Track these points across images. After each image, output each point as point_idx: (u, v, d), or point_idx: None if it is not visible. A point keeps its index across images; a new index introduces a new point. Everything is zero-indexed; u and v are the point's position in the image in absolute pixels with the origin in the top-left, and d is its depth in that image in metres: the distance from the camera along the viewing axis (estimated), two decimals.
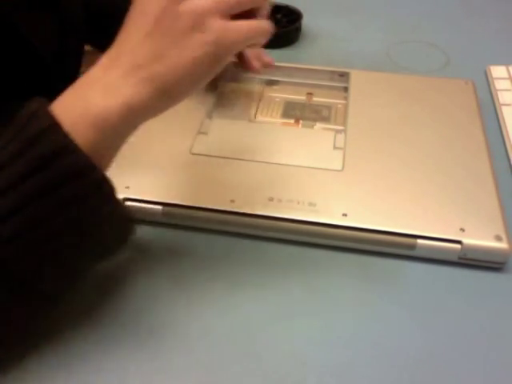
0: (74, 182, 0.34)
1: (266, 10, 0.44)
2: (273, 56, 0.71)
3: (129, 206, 0.42)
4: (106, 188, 0.36)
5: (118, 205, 0.38)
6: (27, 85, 0.46)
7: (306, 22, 0.75)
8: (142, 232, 0.49)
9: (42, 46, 0.51)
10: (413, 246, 0.46)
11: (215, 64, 0.38)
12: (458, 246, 0.45)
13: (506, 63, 0.68)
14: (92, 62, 0.38)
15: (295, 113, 0.60)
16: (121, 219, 0.39)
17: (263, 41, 0.42)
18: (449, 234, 0.46)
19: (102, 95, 0.36)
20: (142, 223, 0.50)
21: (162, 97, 0.37)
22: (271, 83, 0.65)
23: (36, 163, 0.34)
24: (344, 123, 0.57)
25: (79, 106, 0.36)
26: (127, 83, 0.36)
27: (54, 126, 0.34)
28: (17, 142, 0.34)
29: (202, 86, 0.39)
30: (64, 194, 0.34)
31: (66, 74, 0.56)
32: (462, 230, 0.46)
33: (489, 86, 0.66)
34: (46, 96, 0.37)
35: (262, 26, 0.41)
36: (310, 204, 0.48)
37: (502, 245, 0.45)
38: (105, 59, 0.37)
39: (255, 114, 0.60)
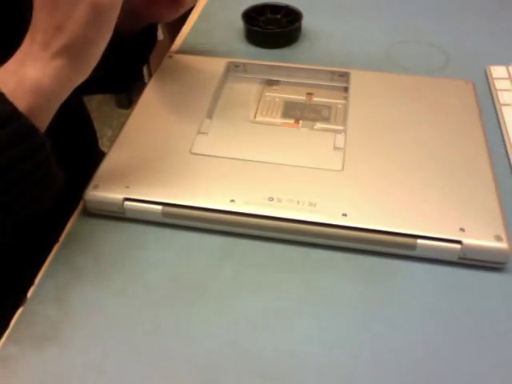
0: (21, 144, 0.40)
1: None
2: (273, 56, 0.72)
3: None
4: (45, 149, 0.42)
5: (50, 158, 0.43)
6: (11, 47, 0.48)
7: (306, 21, 0.75)
8: (142, 232, 0.49)
9: (27, 10, 0.52)
10: (413, 246, 0.46)
11: (105, 19, 0.43)
12: (457, 246, 0.45)
13: (506, 63, 0.68)
14: None
15: (295, 113, 0.60)
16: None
17: None
18: (449, 234, 0.46)
19: (32, 69, 0.42)
20: (141, 223, 0.50)
21: (78, 60, 0.43)
22: (271, 83, 0.65)
23: None
24: (344, 123, 0.57)
25: (15, 78, 0.42)
26: (46, 57, 0.42)
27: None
28: None
29: (106, 42, 0.44)
30: (11, 153, 0.40)
31: None
32: (462, 230, 0.46)
33: (489, 86, 0.66)
34: None
35: None
36: (310, 204, 0.48)
37: (502, 245, 0.45)
38: (27, 37, 0.43)
39: (255, 114, 0.60)
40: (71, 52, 0.43)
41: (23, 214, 0.44)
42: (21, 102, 0.41)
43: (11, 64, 0.43)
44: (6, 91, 0.41)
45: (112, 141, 0.55)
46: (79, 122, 0.70)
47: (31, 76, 0.42)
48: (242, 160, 0.52)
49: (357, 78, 0.63)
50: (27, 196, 0.43)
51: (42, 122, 0.43)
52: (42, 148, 0.42)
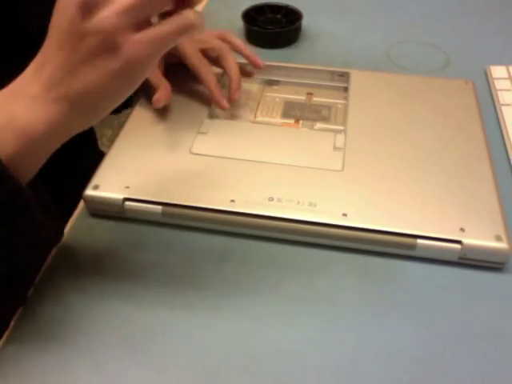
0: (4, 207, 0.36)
1: None
2: (273, 56, 0.72)
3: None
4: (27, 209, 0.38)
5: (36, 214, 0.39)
6: (12, 57, 0.46)
7: (306, 21, 0.75)
8: (142, 232, 0.49)
9: (31, 18, 0.51)
10: (413, 246, 0.46)
11: (131, 79, 0.37)
12: (458, 245, 0.45)
13: (506, 63, 0.68)
14: None
15: (295, 113, 0.60)
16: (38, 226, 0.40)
17: (194, 35, 0.37)
18: (449, 234, 0.46)
19: (26, 109, 0.36)
20: (141, 223, 0.50)
21: (81, 113, 0.37)
22: (271, 83, 0.65)
23: None
24: (344, 123, 0.57)
25: (5, 117, 0.36)
26: (48, 99, 0.36)
27: None
28: None
29: (123, 99, 0.38)
30: None
31: None
32: (462, 229, 0.46)
33: (489, 85, 0.66)
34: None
35: (182, 23, 0.36)
36: (310, 204, 0.48)
37: (502, 245, 0.45)
38: (31, 67, 0.37)
39: (255, 114, 0.60)
40: (77, 102, 0.36)
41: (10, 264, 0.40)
42: (5, 146, 0.36)
43: (4, 96, 0.37)
44: None
45: (112, 141, 0.55)
46: None
47: (23, 117, 0.36)
48: (242, 160, 0.52)
49: (357, 78, 0.63)
50: (9, 254, 0.39)
51: (27, 172, 0.38)
52: (22, 212, 0.37)
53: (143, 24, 0.36)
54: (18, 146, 0.36)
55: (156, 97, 0.55)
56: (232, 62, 0.58)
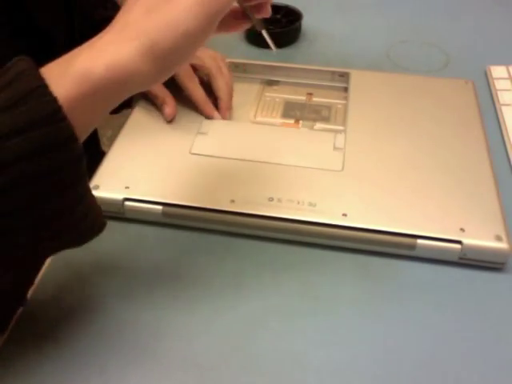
0: (55, 152, 0.32)
1: None
2: (273, 56, 0.71)
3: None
4: (81, 165, 0.34)
5: (88, 189, 0.36)
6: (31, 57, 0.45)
7: (306, 22, 0.75)
8: (142, 232, 0.49)
9: (44, 18, 0.51)
10: (413, 246, 0.46)
11: (208, 15, 0.34)
12: (458, 246, 0.45)
13: (506, 63, 0.68)
14: None
15: (295, 113, 0.60)
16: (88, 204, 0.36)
17: None
18: (449, 234, 0.46)
19: (88, 54, 0.34)
20: (141, 223, 0.50)
21: (151, 55, 0.34)
22: (271, 83, 0.65)
23: (21, 125, 0.31)
24: (344, 123, 0.57)
25: (66, 65, 0.34)
26: (114, 42, 0.34)
27: (43, 87, 0.32)
28: (3, 100, 0.31)
29: (195, 49, 0.36)
30: (43, 162, 0.32)
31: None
32: (462, 230, 0.46)
33: (489, 86, 0.66)
34: None
35: None
36: (310, 204, 0.48)
37: (502, 245, 0.45)
38: (105, 29, 0.35)
39: (255, 114, 0.60)
40: (152, 40, 0.33)
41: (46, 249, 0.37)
42: (61, 90, 0.32)
43: (69, 53, 0.35)
44: (48, 77, 0.32)
45: (112, 141, 0.55)
46: None
47: (84, 62, 0.33)
48: (242, 160, 0.52)
49: (357, 78, 0.63)
50: (53, 223, 0.35)
51: (82, 124, 0.34)
52: (78, 160, 0.34)
53: None
54: (75, 89, 0.33)
55: (168, 112, 0.56)
56: (222, 83, 0.58)
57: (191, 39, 0.35)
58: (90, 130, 0.36)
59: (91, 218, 0.37)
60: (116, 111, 0.70)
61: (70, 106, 0.32)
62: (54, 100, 0.32)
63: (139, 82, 0.35)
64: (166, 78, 0.37)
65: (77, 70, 0.33)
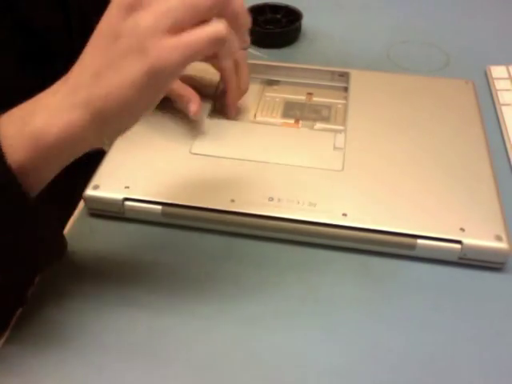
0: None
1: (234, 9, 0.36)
2: (273, 56, 0.72)
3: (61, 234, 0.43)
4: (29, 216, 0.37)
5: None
6: (23, 57, 0.45)
7: (306, 22, 0.75)
8: (142, 232, 0.49)
9: (36, 19, 0.51)
10: (413, 246, 0.46)
11: (153, 88, 0.35)
12: (458, 245, 0.45)
13: (506, 63, 0.68)
14: None
15: (295, 113, 0.60)
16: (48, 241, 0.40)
17: (223, 50, 0.36)
18: (449, 234, 0.46)
19: (42, 115, 0.35)
20: (141, 223, 0.50)
21: (99, 123, 0.35)
22: (271, 83, 0.65)
23: None
24: (344, 123, 0.57)
25: (21, 124, 0.35)
26: (66, 105, 0.35)
27: None
28: None
29: (144, 113, 0.37)
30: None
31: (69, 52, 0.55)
32: (462, 229, 0.46)
33: (489, 85, 0.66)
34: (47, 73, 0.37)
35: (212, 33, 0.34)
36: (310, 204, 0.48)
37: (502, 245, 0.45)
38: (62, 79, 0.37)
39: (255, 114, 0.60)
40: (97, 110, 0.35)
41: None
42: (15, 152, 0.35)
43: (27, 104, 0.36)
44: (3, 137, 0.35)
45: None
46: None
47: (37, 123, 0.35)
48: (242, 160, 0.52)
49: (357, 78, 0.63)
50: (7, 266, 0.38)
51: (36, 182, 0.37)
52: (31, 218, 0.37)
53: (180, 31, 0.34)
54: (29, 152, 0.35)
55: (193, 109, 0.53)
56: (247, 75, 0.56)
57: (136, 111, 0.36)
58: (46, 183, 0.38)
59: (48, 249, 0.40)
60: None
61: (23, 168, 0.35)
62: (9, 169, 0.34)
63: (90, 143, 0.37)
64: (118, 137, 0.39)
65: (32, 131, 0.35)
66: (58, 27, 0.55)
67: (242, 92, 0.58)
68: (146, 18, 0.33)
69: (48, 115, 0.35)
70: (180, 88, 0.55)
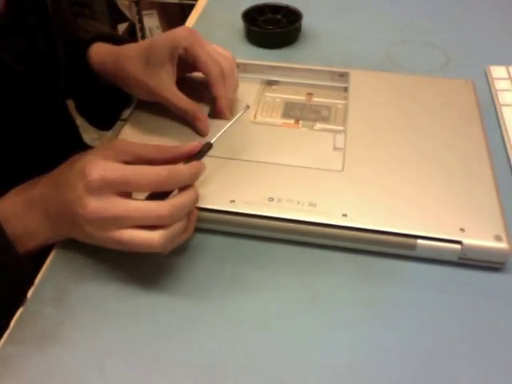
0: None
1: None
2: (273, 56, 0.72)
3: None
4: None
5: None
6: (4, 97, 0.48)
7: (306, 22, 0.75)
8: None
9: (15, 59, 0.52)
10: (413, 246, 0.46)
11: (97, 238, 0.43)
12: (458, 246, 0.45)
13: (506, 63, 0.68)
14: None
15: (295, 113, 0.60)
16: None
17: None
18: (449, 234, 0.46)
19: (24, 232, 0.45)
20: None
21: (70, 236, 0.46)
22: (271, 83, 0.65)
23: None
24: (344, 123, 0.57)
25: (22, 227, 0.45)
26: (43, 225, 0.45)
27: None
28: None
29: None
30: None
31: (49, 90, 0.57)
32: (462, 230, 0.46)
33: (489, 86, 0.66)
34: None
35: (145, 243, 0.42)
36: (310, 204, 0.48)
37: (502, 245, 0.45)
38: (39, 189, 0.46)
39: (255, 114, 0.60)
40: (65, 234, 0.46)
41: None
42: (21, 247, 0.45)
43: (20, 206, 0.46)
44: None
45: (111, 141, 0.55)
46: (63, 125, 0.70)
47: (34, 225, 0.45)
48: (242, 160, 0.52)
49: (357, 78, 0.63)
50: None
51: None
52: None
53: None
54: (30, 247, 0.45)
55: (203, 128, 0.55)
56: (232, 83, 0.57)
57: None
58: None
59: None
60: (106, 128, 0.71)
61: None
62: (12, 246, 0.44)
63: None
64: None
65: (32, 236, 0.46)
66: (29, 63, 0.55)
67: (231, 100, 0.57)
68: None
69: (30, 233, 0.45)
70: (181, 102, 0.55)
